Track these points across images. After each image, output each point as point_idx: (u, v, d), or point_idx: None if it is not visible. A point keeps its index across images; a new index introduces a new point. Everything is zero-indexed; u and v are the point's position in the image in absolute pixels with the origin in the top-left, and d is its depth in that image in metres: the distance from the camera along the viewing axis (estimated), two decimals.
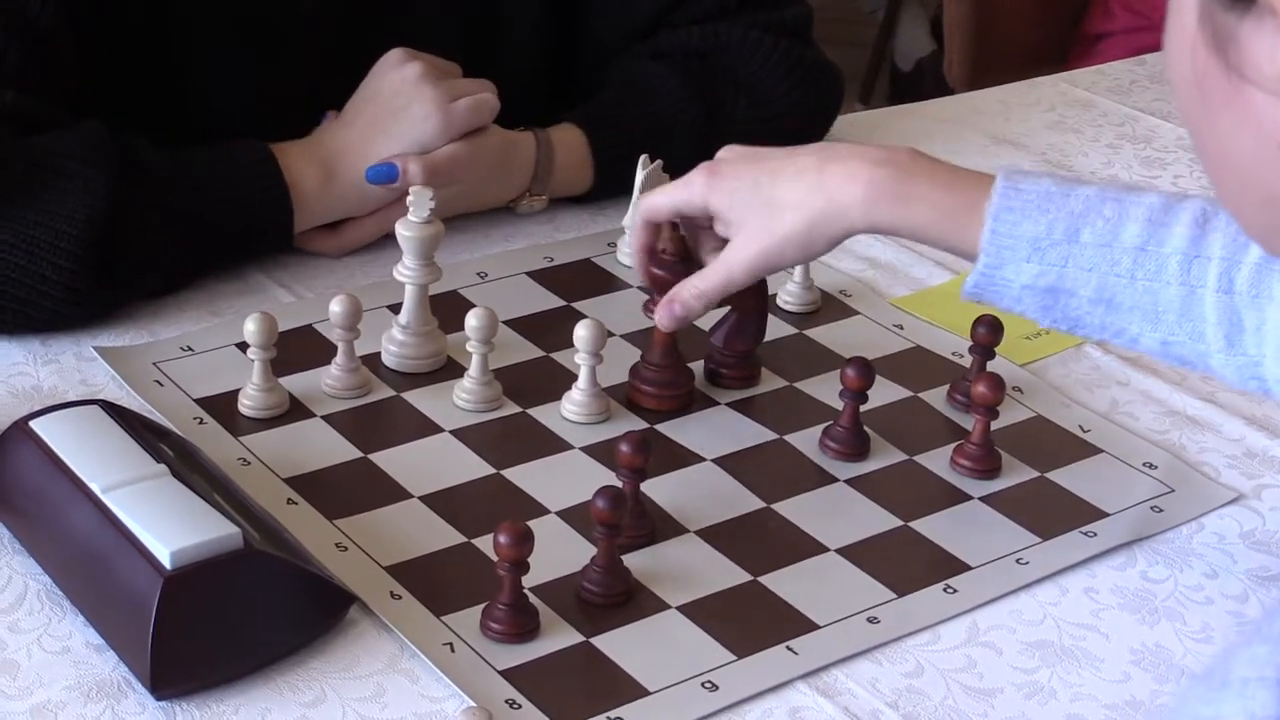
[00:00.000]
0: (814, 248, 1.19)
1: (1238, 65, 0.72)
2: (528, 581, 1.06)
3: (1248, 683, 0.64)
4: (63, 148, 1.33)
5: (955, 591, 1.14)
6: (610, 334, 1.32)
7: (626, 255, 1.49)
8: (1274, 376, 1.11)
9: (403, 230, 1.30)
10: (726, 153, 1.24)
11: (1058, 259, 1.12)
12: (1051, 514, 1.21)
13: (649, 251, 1.28)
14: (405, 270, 1.31)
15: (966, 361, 1.35)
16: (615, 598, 1.10)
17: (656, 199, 1.26)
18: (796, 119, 1.62)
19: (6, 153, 1.31)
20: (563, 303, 1.43)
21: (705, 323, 1.37)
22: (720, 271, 1.22)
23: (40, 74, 1.37)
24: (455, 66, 1.48)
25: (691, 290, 1.23)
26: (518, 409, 1.29)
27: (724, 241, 1.23)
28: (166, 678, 1.00)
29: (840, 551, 1.16)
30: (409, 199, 1.30)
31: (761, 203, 1.19)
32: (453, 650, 1.05)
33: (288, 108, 1.47)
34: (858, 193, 1.16)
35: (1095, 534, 1.20)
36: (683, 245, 1.28)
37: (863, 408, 1.26)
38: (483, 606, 1.07)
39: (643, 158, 1.46)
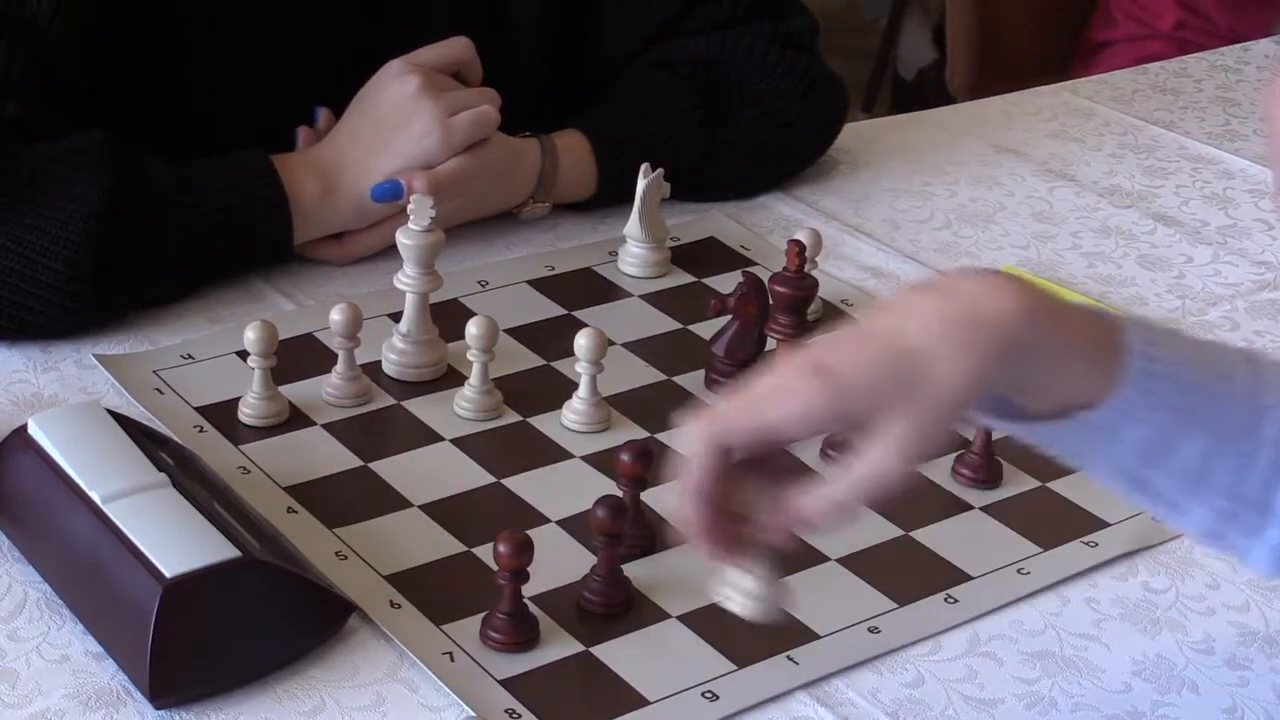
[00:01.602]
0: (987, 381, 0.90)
1: None
2: (528, 591, 1.06)
3: None
4: (62, 154, 1.33)
5: (956, 601, 1.13)
6: (611, 343, 1.32)
7: (628, 264, 1.49)
8: None
9: (403, 239, 1.30)
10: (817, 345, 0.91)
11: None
12: (1053, 524, 1.21)
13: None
14: (406, 278, 1.31)
15: None
16: (615, 607, 1.10)
17: (777, 416, 0.89)
18: (801, 129, 1.63)
19: (6, 159, 1.31)
20: (563, 311, 1.43)
21: (706, 331, 1.37)
22: (871, 467, 0.89)
23: (45, 85, 1.37)
24: (451, 80, 1.48)
25: (821, 502, 0.90)
26: (518, 418, 1.29)
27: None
28: (166, 686, 1.00)
29: (841, 561, 1.16)
30: (409, 207, 1.30)
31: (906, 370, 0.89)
32: (452, 659, 1.05)
33: (292, 118, 1.47)
34: (1011, 305, 0.90)
35: (1096, 544, 1.20)
36: (801, 260, 1.27)
37: None
38: (483, 616, 1.07)
39: (644, 166, 1.46)
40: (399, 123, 1.43)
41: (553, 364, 1.35)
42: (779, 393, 0.89)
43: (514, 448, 1.25)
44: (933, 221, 1.63)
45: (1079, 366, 0.93)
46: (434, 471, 1.22)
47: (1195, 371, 0.95)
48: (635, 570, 1.12)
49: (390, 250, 1.38)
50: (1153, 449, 0.94)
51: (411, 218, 1.30)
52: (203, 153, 1.40)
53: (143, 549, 1.02)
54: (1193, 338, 0.98)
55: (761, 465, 0.91)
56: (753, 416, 0.89)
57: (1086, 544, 1.20)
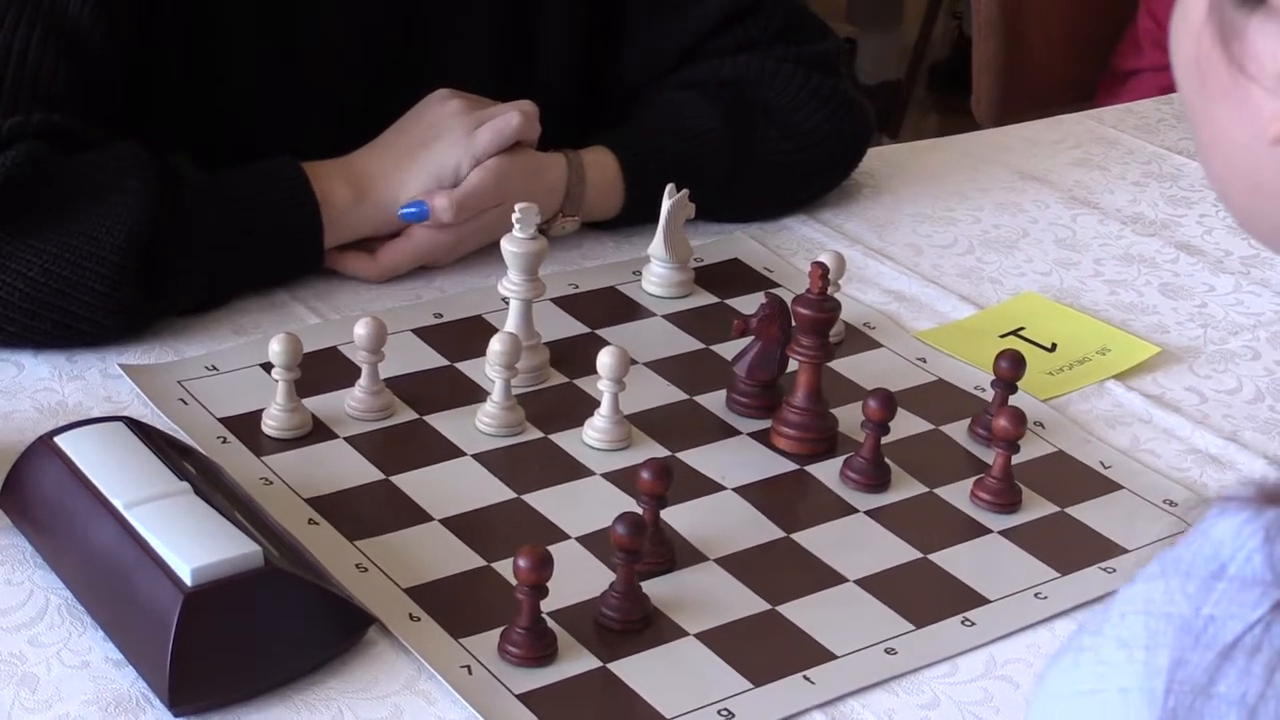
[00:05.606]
0: None
1: (1240, 60, 0.74)
2: (546, 606, 1.07)
3: (1125, 615, 0.67)
4: (104, 162, 1.35)
5: (973, 624, 1.14)
6: (633, 361, 1.32)
7: (651, 284, 1.49)
8: None
9: (509, 246, 1.32)
10: None
11: None
12: (1071, 549, 1.21)
13: None
14: (510, 284, 1.34)
15: (988, 395, 1.35)
16: (633, 624, 1.10)
17: None
18: (826, 152, 1.63)
19: (50, 168, 1.33)
20: (587, 329, 1.43)
21: (728, 351, 1.38)
22: None
23: (86, 96, 1.38)
24: (492, 103, 1.49)
25: None
26: (540, 434, 1.29)
27: None
28: (185, 694, 1.00)
29: (859, 582, 1.16)
30: (514, 215, 1.31)
31: None
32: (470, 673, 1.05)
33: (320, 126, 1.49)
34: None
35: (1114, 570, 1.20)
36: (824, 283, 1.28)
37: (884, 439, 1.26)
38: (501, 630, 1.07)
39: (669, 187, 1.47)
40: (430, 139, 1.45)
41: (575, 382, 1.36)
42: None
43: (535, 464, 1.26)
44: (956, 247, 1.63)
45: None
46: (455, 486, 1.23)
47: None
48: (654, 587, 1.13)
49: (416, 267, 1.39)
50: None
51: (517, 226, 1.31)
52: (231, 160, 1.41)
53: (164, 557, 1.03)
54: None
55: None
56: None
57: (1104, 569, 1.20)
